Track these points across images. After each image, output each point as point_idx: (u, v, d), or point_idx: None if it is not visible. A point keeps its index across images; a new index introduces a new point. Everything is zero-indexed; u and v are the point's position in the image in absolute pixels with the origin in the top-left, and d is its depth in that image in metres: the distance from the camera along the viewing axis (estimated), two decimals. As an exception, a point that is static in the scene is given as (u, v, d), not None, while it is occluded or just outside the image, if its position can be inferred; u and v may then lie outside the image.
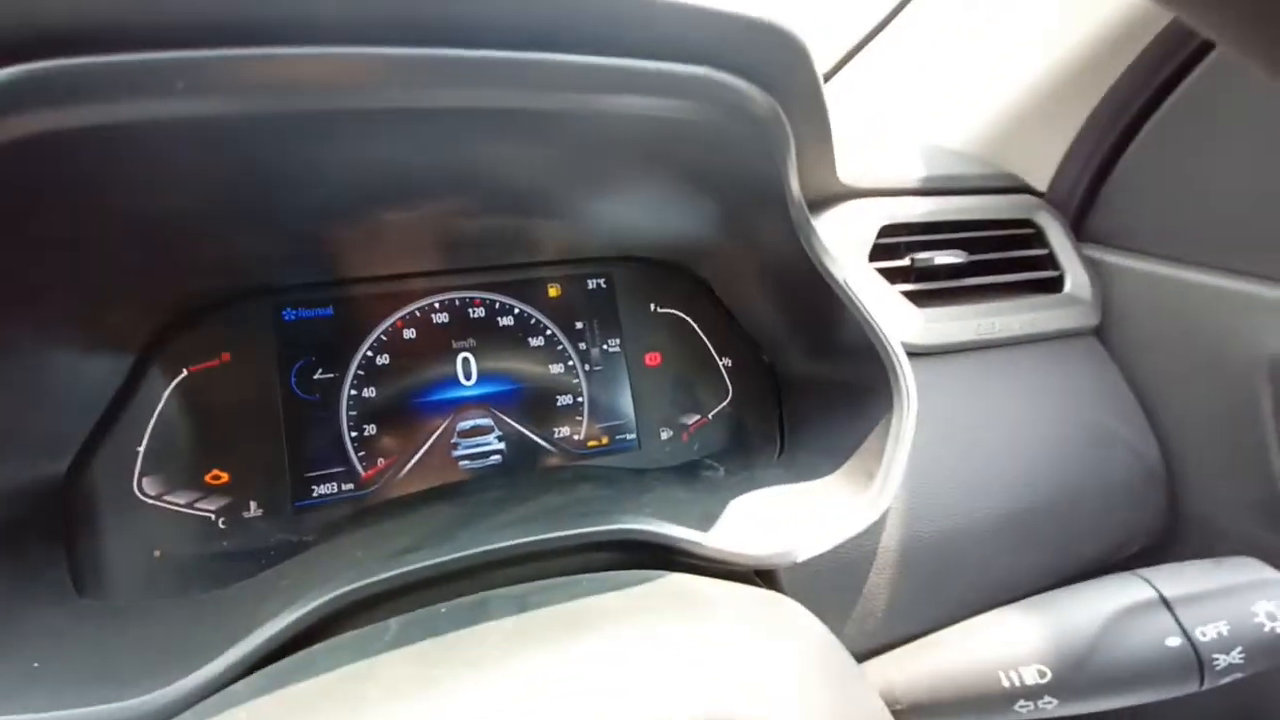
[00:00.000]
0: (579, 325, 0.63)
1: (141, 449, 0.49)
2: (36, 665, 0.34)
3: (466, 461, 0.58)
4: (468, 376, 0.59)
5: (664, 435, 0.63)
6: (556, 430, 0.60)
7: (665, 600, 0.32)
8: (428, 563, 0.36)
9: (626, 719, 0.24)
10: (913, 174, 0.60)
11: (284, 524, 0.52)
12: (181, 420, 0.50)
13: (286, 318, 0.54)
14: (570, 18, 0.30)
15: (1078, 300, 0.62)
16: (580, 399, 0.61)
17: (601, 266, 0.64)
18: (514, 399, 0.60)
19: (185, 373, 0.51)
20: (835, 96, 0.84)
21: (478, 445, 0.58)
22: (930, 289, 0.57)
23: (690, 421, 0.64)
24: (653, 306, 0.65)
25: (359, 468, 0.55)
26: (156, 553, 0.47)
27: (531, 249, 0.61)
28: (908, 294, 0.54)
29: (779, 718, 0.25)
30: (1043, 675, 0.32)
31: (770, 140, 0.38)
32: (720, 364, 0.65)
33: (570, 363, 0.62)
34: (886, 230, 0.55)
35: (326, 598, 0.34)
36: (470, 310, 0.60)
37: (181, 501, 0.50)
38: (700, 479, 0.56)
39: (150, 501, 0.49)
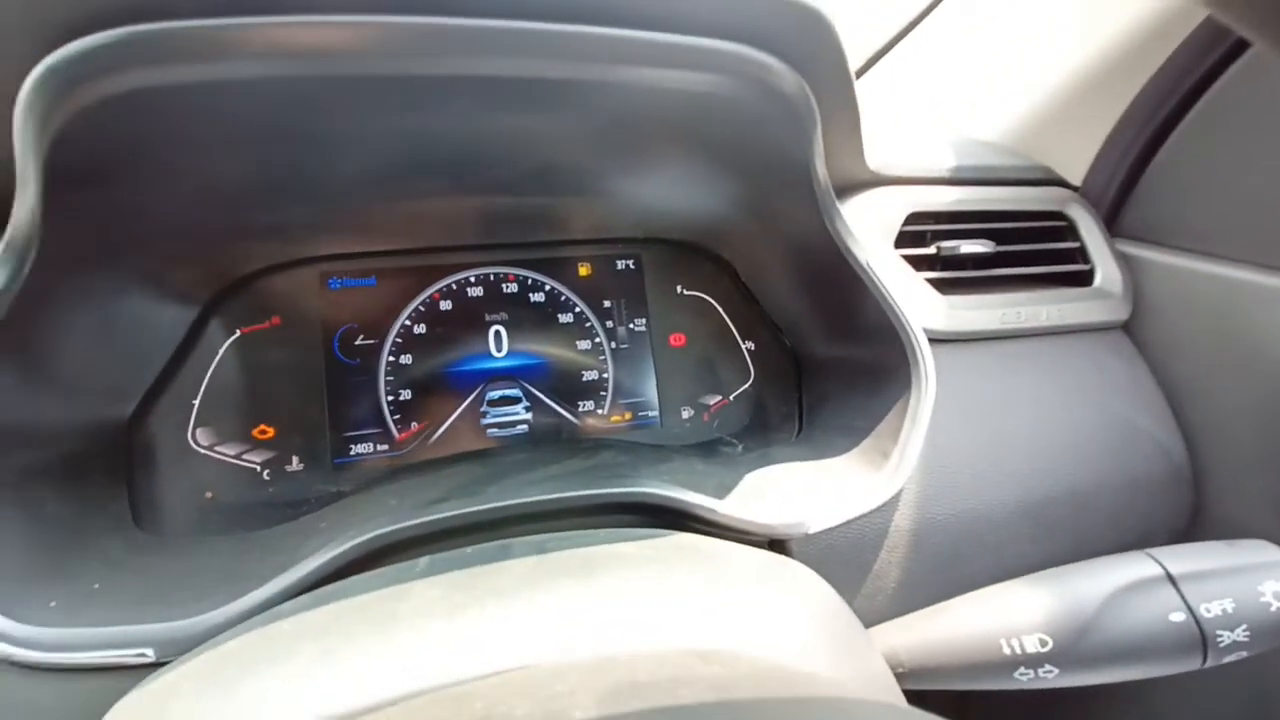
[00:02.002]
0: (607, 304, 0.65)
1: (196, 402, 0.52)
2: (96, 586, 0.37)
3: (495, 430, 0.60)
4: (499, 349, 0.61)
5: (685, 414, 0.65)
6: (581, 404, 0.63)
7: (679, 551, 0.34)
8: (456, 512, 0.38)
9: (635, 645, 0.26)
10: (942, 163, 0.60)
11: (323, 478, 0.55)
12: (233, 377, 0.54)
13: (332, 286, 0.58)
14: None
15: (1108, 294, 0.61)
16: (605, 375, 0.63)
17: (630, 248, 0.66)
18: (542, 372, 0.62)
19: (239, 333, 0.54)
20: (868, 89, 0.84)
21: (506, 415, 0.61)
22: (956, 277, 0.57)
23: (712, 401, 0.65)
24: (679, 288, 0.66)
25: (394, 430, 0.58)
26: (208, 494, 0.51)
27: (563, 227, 0.63)
28: (932, 281, 0.55)
29: (782, 656, 0.27)
30: (1044, 644, 0.32)
31: (797, 119, 0.39)
32: (743, 346, 0.66)
33: (597, 340, 0.64)
34: (913, 218, 0.56)
35: (363, 538, 0.36)
36: (504, 285, 0.62)
37: (230, 452, 0.53)
38: (718, 454, 0.57)
39: (202, 451, 0.53)
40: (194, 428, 0.52)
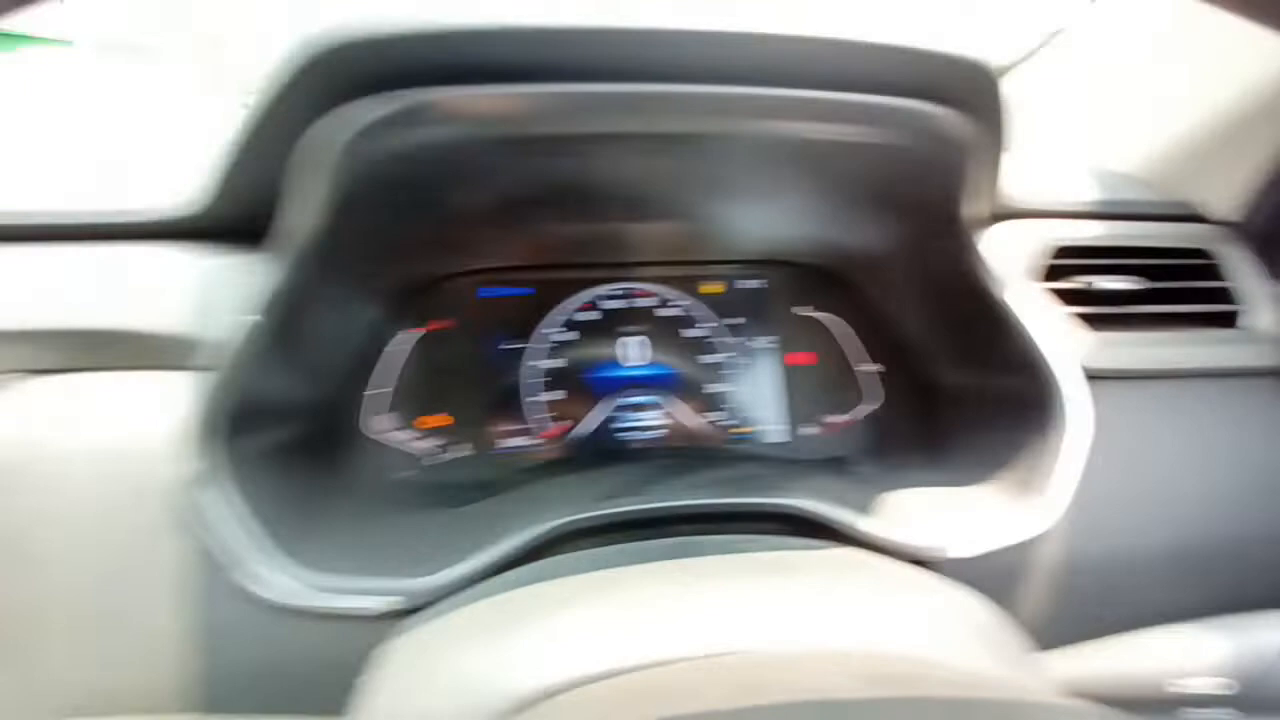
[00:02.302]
0: (736, 321, 0.68)
1: (385, 391, 0.59)
2: (339, 545, 0.43)
3: (627, 434, 0.65)
4: (634, 359, 0.66)
5: (808, 431, 0.67)
6: (708, 415, 0.66)
7: (854, 564, 0.37)
8: (634, 508, 0.43)
9: (832, 643, 0.29)
10: (1083, 196, 0.60)
11: (482, 465, 0.61)
12: (414, 370, 0.61)
13: (495, 294, 0.64)
14: (804, 59, 0.35)
15: (1261, 337, 0.59)
16: (734, 388, 0.67)
17: (761, 269, 0.69)
18: (672, 382, 0.66)
19: (420, 333, 0.61)
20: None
21: (638, 420, 0.65)
22: (1103, 313, 0.57)
23: (834, 420, 0.67)
24: (807, 309, 0.69)
25: (541, 427, 0.63)
26: (406, 472, 0.58)
27: (698, 250, 0.67)
28: (1080, 316, 0.55)
29: (974, 667, 0.29)
30: (1224, 688, 0.33)
31: (954, 160, 0.41)
32: (868, 368, 0.68)
33: (727, 354, 0.67)
34: (1061, 252, 0.56)
35: (558, 522, 0.41)
36: (640, 300, 0.67)
37: (408, 438, 0.60)
38: (850, 473, 0.59)
39: (386, 434, 0.59)
40: (380, 414, 0.59)
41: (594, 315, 0.66)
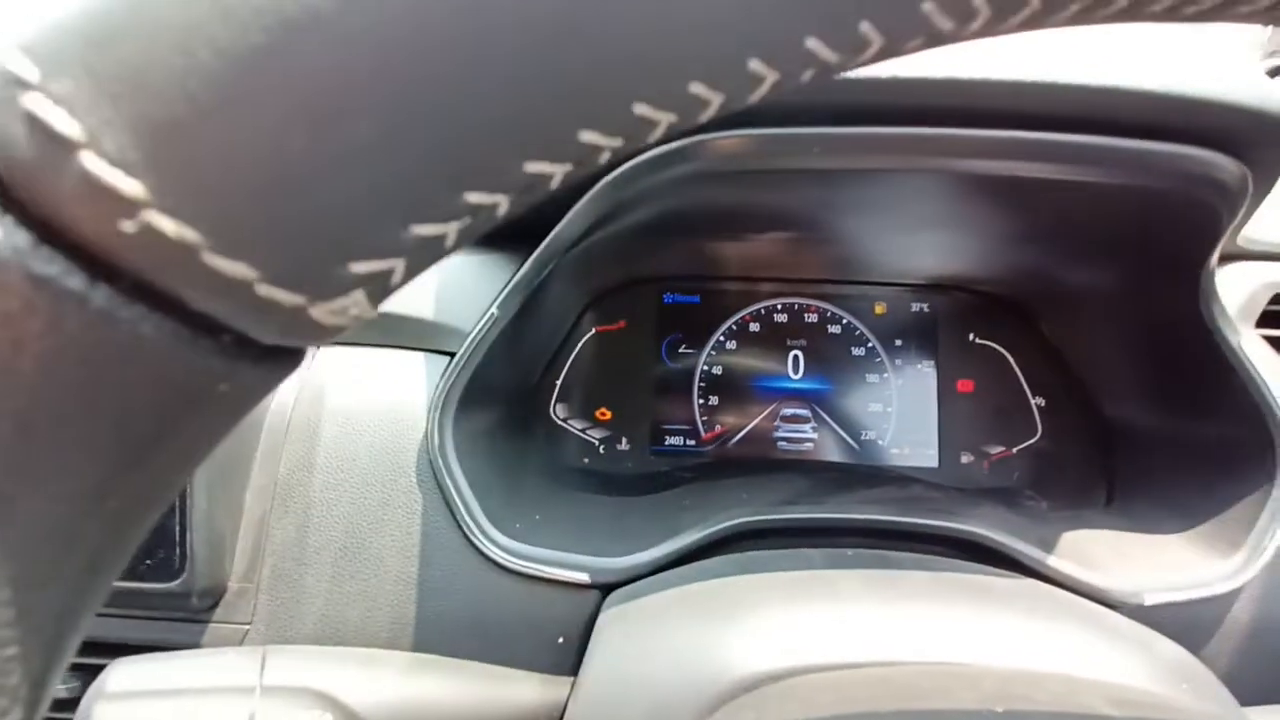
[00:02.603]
0: (898, 343, 0.68)
1: (559, 382, 0.66)
2: (538, 519, 0.49)
3: (784, 443, 0.67)
4: (795, 371, 0.68)
5: (965, 459, 0.66)
6: (864, 433, 0.67)
7: (1058, 596, 0.37)
8: (818, 514, 0.45)
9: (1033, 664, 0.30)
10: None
11: (643, 460, 0.66)
12: (586, 366, 0.66)
13: (667, 300, 0.68)
14: (1083, 104, 0.36)
15: None
16: (890, 409, 0.67)
17: (927, 294, 0.69)
18: (831, 398, 0.68)
19: (594, 331, 0.67)
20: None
21: (795, 431, 0.67)
22: None
23: (994, 451, 0.66)
24: (971, 336, 0.68)
25: (701, 430, 0.67)
26: (585, 460, 0.64)
27: (867, 271, 0.68)
28: None
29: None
30: None
31: (1223, 208, 0.40)
32: (1033, 401, 0.66)
33: (885, 375, 0.68)
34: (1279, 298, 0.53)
35: (739, 520, 0.45)
36: (806, 315, 0.69)
37: (578, 427, 0.66)
38: (1023, 507, 0.59)
39: (559, 421, 0.66)
40: (555, 402, 0.66)
41: (761, 327, 0.68)
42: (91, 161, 0.09)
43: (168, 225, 0.09)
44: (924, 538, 0.46)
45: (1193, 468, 0.52)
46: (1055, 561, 0.44)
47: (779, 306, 0.69)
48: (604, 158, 0.12)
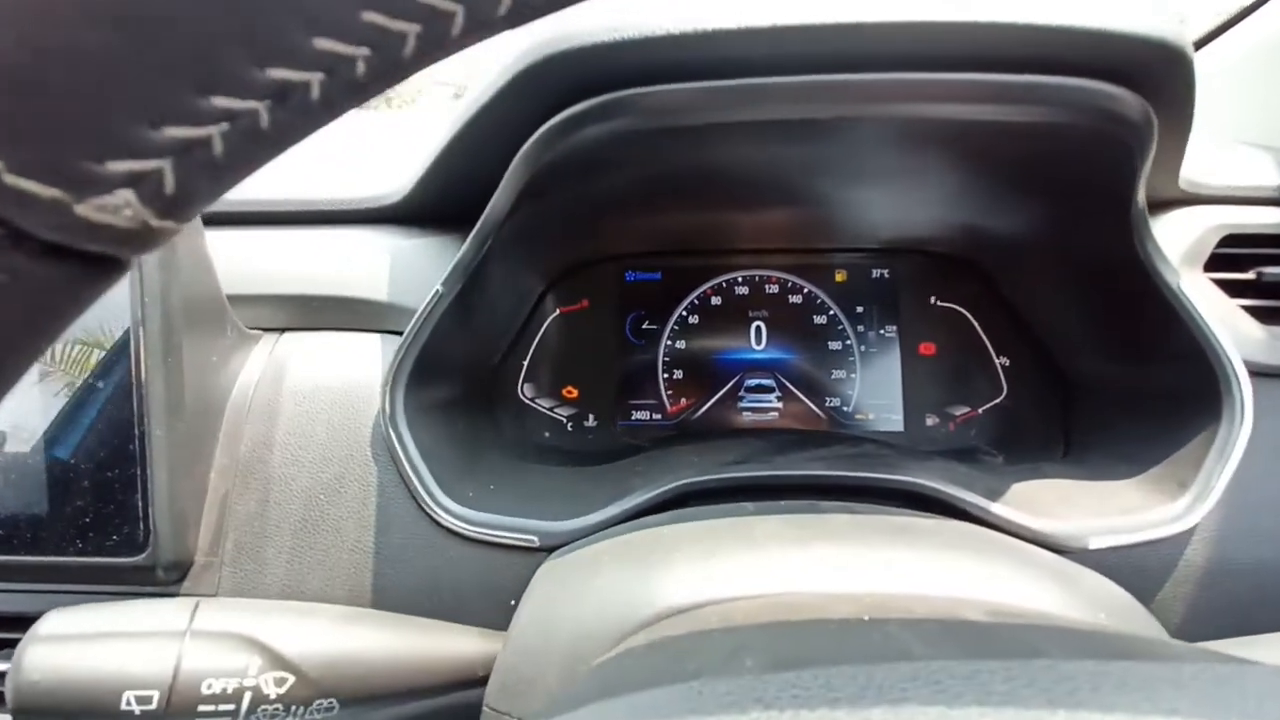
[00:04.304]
0: (859, 309, 0.69)
1: (526, 361, 0.67)
2: (492, 488, 0.51)
3: (749, 414, 0.68)
4: (758, 342, 0.69)
5: (930, 421, 0.67)
6: (828, 399, 0.68)
7: (987, 536, 0.38)
8: (757, 473, 0.46)
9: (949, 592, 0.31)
10: (1266, 180, 0.55)
11: (610, 435, 0.67)
12: (551, 346, 0.68)
13: (629, 278, 0.69)
14: (973, 42, 0.37)
15: None
16: (854, 375, 0.68)
17: (886, 258, 0.69)
18: (794, 367, 0.68)
19: (558, 312, 0.68)
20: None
21: (760, 401, 0.68)
22: (1274, 306, 0.52)
23: (958, 413, 0.66)
24: (932, 299, 0.68)
25: (666, 403, 0.68)
26: (546, 434, 0.66)
27: (825, 237, 0.68)
28: (1250, 309, 0.51)
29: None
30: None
31: (1130, 143, 0.40)
32: (996, 361, 0.66)
33: (848, 342, 0.68)
34: (1229, 240, 0.52)
35: (685, 481, 0.46)
36: (767, 286, 0.69)
37: (545, 405, 0.67)
38: (979, 461, 0.59)
39: (527, 401, 0.67)
40: (522, 381, 0.67)
41: (723, 300, 0.69)
42: None
43: None
44: (865, 491, 0.47)
45: (1144, 415, 0.52)
46: (1000, 509, 0.45)
47: (740, 279, 0.70)
48: (361, 69, 0.14)
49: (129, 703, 0.27)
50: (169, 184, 0.13)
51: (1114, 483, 0.49)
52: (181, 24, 0.12)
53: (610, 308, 0.69)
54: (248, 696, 0.29)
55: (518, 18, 0.14)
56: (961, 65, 0.39)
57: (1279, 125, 0.65)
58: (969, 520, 0.45)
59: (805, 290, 0.69)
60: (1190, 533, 0.45)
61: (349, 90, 0.14)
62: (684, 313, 0.69)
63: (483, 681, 0.36)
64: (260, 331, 0.53)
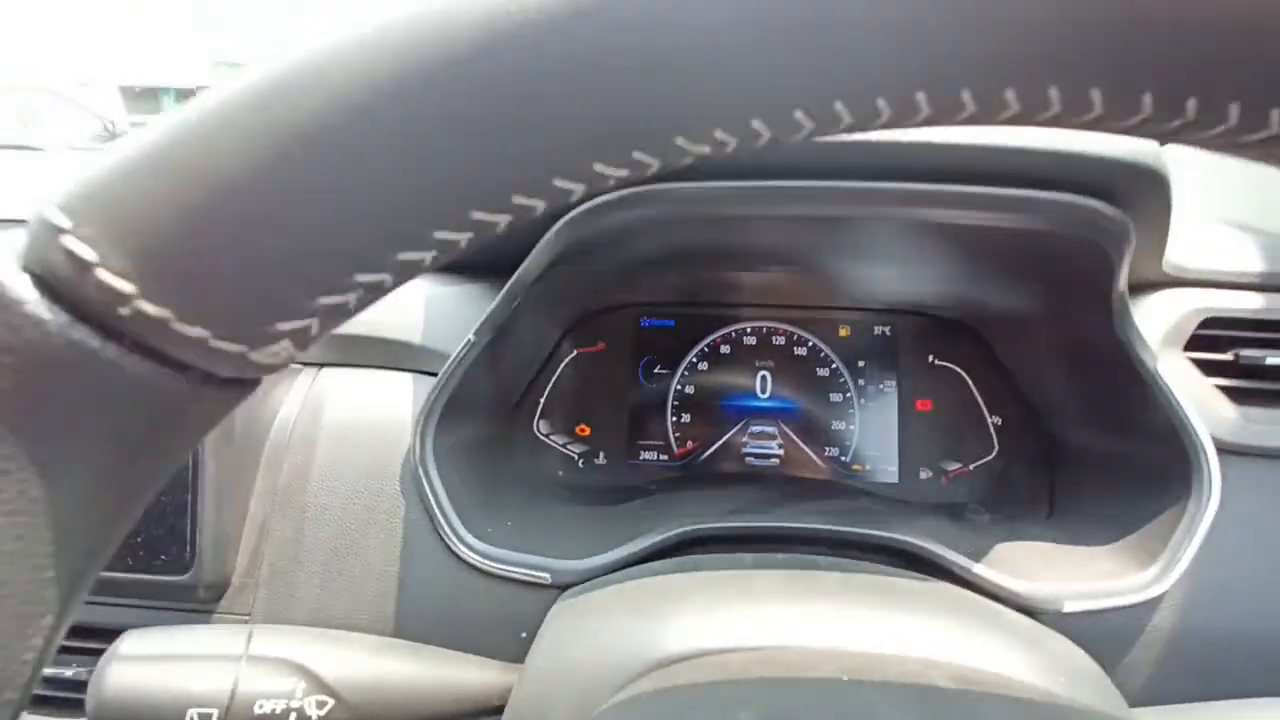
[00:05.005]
0: (860, 364, 0.72)
1: (542, 400, 0.71)
2: (509, 524, 0.54)
3: (751, 459, 0.71)
4: (763, 390, 0.72)
5: (923, 475, 0.70)
6: (828, 449, 0.71)
7: (966, 598, 0.41)
8: (757, 524, 0.49)
9: (932, 654, 0.34)
10: (1247, 265, 0.59)
11: (619, 473, 0.71)
12: (567, 385, 0.72)
13: (644, 324, 0.73)
14: (973, 159, 0.41)
15: None
16: (853, 426, 0.71)
17: (888, 317, 0.73)
18: (796, 416, 0.72)
19: (575, 353, 0.72)
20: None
21: (762, 447, 0.71)
22: (1254, 388, 0.55)
23: (951, 468, 0.70)
24: (930, 358, 0.72)
25: (674, 444, 0.71)
26: (560, 473, 0.69)
27: (830, 297, 0.73)
28: (1226, 389, 0.54)
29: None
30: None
31: (1112, 249, 0.44)
32: (989, 420, 0.70)
33: (848, 394, 0.72)
34: (1209, 323, 0.56)
35: (691, 528, 0.49)
36: (773, 338, 0.73)
37: (559, 442, 0.71)
38: (965, 519, 0.62)
39: (541, 436, 0.71)
40: (538, 418, 0.71)
41: (731, 349, 0.73)
42: (101, 274, 0.14)
43: (149, 308, 0.15)
44: (857, 545, 0.50)
45: (1122, 484, 0.55)
46: (981, 569, 0.48)
47: (748, 330, 0.74)
48: (463, 244, 0.18)
49: (192, 719, 0.31)
50: (314, 331, 0.17)
51: (1091, 548, 0.53)
52: (345, 233, 0.16)
53: (625, 351, 0.73)
54: (293, 717, 0.32)
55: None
56: (961, 178, 0.43)
57: (1263, 203, 0.69)
58: (954, 578, 0.48)
59: (810, 343, 0.73)
60: (1158, 600, 0.48)
61: (449, 256, 0.18)
62: (694, 359, 0.73)
63: (498, 710, 0.39)
64: (300, 366, 0.57)
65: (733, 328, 0.73)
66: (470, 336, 0.51)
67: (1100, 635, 0.49)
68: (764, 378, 0.72)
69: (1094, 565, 0.51)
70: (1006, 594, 0.47)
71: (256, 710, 0.31)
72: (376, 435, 0.53)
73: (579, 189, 0.17)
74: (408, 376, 0.56)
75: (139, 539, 0.47)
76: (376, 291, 0.18)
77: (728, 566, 0.43)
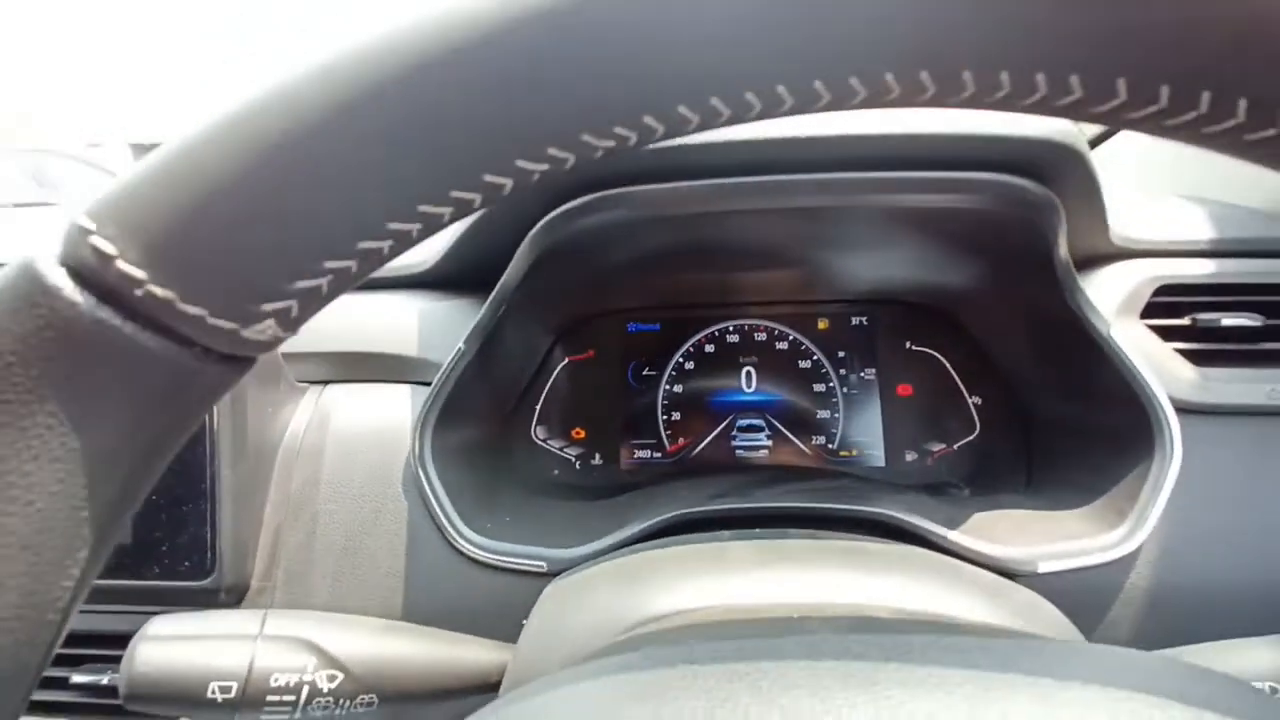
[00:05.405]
0: (841, 354, 0.75)
1: (538, 406, 0.74)
2: (508, 520, 0.57)
3: (741, 451, 0.74)
4: (749, 385, 0.75)
5: (909, 458, 0.72)
6: (814, 438, 0.74)
7: (928, 557, 0.43)
8: (737, 506, 0.52)
9: (901, 603, 0.36)
10: (1197, 233, 0.61)
11: (614, 474, 0.73)
12: (561, 392, 0.75)
13: (630, 329, 0.77)
14: (901, 146, 0.45)
15: None
16: (837, 415, 0.74)
17: (866, 307, 0.76)
18: (782, 408, 0.75)
19: (566, 360, 0.76)
20: (1113, 152, 0.85)
21: (751, 440, 0.74)
22: (1213, 349, 0.58)
23: (935, 449, 0.72)
24: (908, 344, 0.75)
25: (665, 442, 0.74)
26: (555, 472, 0.72)
27: (807, 291, 0.76)
28: (1184, 352, 0.56)
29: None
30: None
31: (1042, 220, 0.47)
32: (969, 401, 0.72)
33: (831, 384, 0.75)
34: (1164, 290, 0.58)
35: (676, 513, 0.52)
36: (755, 334, 0.76)
37: (556, 445, 0.74)
38: (946, 494, 0.64)
39: (539, 442, 0.74)
40: (535, 424, 0.74)
41: (716, 348, 0.76)
42: (120, 264, 0.18)
43: (158, 290, 0.18)
44: (838, 521, 0.53)
45: (1091, 450, 0.57)
46: (958, 536, 0.50)
47: (731, 328, 0.77)
48: (415, 235, 0.21)
49: (213, 692, 0.34)
50: (294, 312, 0.21)
51: (1065, 512, 0.55)
52: (311, 228, 0.19)
53: (614, 356, 0.76)
54: (305, 690, 0.35)
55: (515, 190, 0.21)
56: (904, 165, 0.47)
57: (1207, 176, 0.71)
58: (931, 547, 0.50)
59: (791, 337, 0.76)
60: (1131, 558, 0.50)
61: (405, 246, 0.22)
62: (680, 360, 0.76)
63: (495, 687, 0.42)
64: (308, 384, 0.61)
65: (715, 327, 0.77)
66: (461, 345, 0.55)
67: (1077, 595, 0.50)
68: (749, 373, 0.75)
69: (1068, 528, 0.53)
70: (982, 558, 0.49)
71: (272, 683, 0.35)
72: (379, 443, 0.56)
73: (508, 183, 0.20)
74: (406, 388, 0.59)
75: (163, 548, 0.51)
76: (345, 277, 0.21)
77: (708, 541, 0.45)
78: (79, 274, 0.19)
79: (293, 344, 0.62)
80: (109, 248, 0.18)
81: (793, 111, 0.19)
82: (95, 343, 0.19)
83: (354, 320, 0.61)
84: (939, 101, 0.18)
